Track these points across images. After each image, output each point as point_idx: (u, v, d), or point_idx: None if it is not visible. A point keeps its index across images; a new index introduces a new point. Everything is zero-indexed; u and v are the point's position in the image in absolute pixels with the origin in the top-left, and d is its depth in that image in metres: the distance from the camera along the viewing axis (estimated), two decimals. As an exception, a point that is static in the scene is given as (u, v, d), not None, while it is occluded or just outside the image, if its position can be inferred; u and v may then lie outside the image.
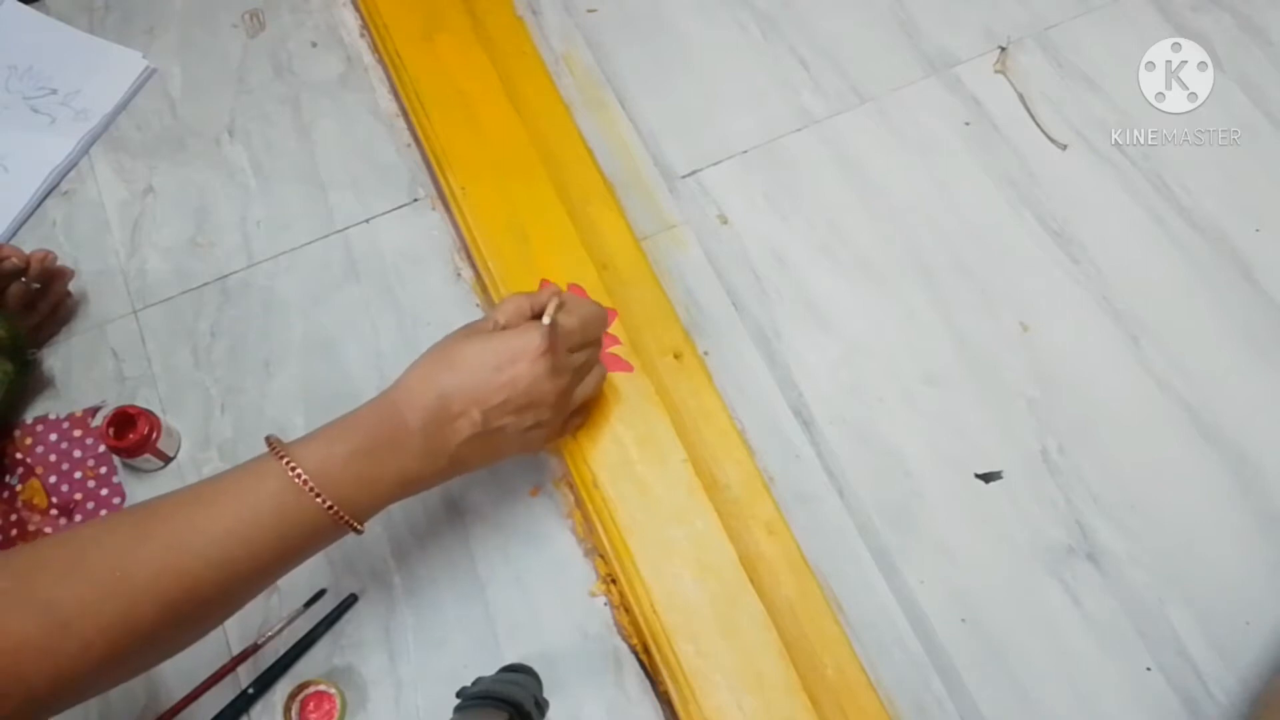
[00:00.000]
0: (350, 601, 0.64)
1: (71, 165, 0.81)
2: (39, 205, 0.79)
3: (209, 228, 0.78)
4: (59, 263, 0.73)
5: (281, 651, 0.63)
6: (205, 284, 0.76)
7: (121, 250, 0.77)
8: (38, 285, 0.71)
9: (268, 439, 0.50)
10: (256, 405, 0.71)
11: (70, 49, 0.85)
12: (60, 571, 0.43)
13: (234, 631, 0.64)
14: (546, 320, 0.54)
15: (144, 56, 0.84)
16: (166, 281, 0.76)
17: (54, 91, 0.84)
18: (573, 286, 0.68)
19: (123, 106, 0.83)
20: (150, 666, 0.48)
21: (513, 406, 0.53)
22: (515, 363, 0.52)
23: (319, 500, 0.48)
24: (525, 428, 0.54)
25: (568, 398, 0.56)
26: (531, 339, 0.53)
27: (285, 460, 0.48)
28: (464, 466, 0.54)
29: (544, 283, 0.68)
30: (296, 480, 0.48)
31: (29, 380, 0.71)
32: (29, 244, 0.76)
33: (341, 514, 0.49)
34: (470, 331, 0.54)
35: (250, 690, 0.61)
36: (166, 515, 0.47)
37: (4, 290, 0.69)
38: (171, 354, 0.73)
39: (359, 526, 0.50)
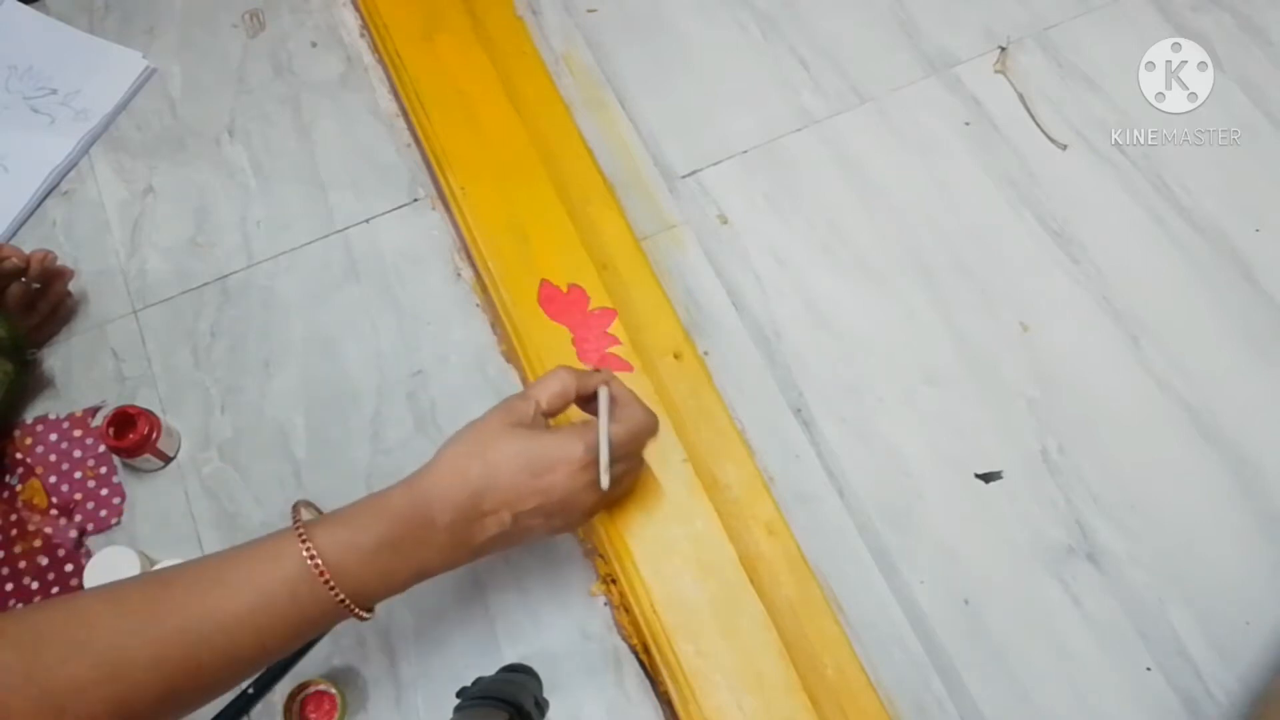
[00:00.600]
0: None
1: (71, 165, 0.81)
2: (39, 205, 0.79)
3: (209, 228, 0.78)
4: (59, 263, 0.73)
5: (281, 651, 0.63)
6: (205, 284, 0.76)
7: (121, 250, 0.77)
8: (38, 285, 0.71)
9: (295, 509, 0.49)
10: (256, 405, 0.71)
11: (70, 49, 0.85)
12: (62, 650, 0.42)
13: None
14: (603, 444, 0.50)
15: (144, 56, 0.84)
16: (166, 281, 0.76)
17: (54, 91, 0.84)
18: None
19: (123, 106, 0.83)
20: None
21: (544, 512, 0.51)
22: (554, 470, 0.50)
23: (333, 592, 0.47)
24: (553, 528, 0.53)
25: (601, 505, 0.55)
26: (574, 450, 0.50)
27: (305, 545, 0.47)
28: (483, 555, 0.52)
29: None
30: (313, 569, 0.46)
31: (29, 380, 0.71)
32: (29, 244, 0.76)
33: (352, 606, 0.48)
34: (510, 420, 0.51)
35: (250, 690, 0.61)
36: (176, 594, 0.46)
37: (4, 290, 0.69)
38: (171, 354, 0.73)
39: (366, 615, 0.49)
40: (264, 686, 0.61)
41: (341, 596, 0.47)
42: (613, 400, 0.54)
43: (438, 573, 0.51)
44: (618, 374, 0.64)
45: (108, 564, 0.63)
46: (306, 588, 0.46)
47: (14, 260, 0.69)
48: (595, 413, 0.53)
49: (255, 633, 0.46)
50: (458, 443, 0.51)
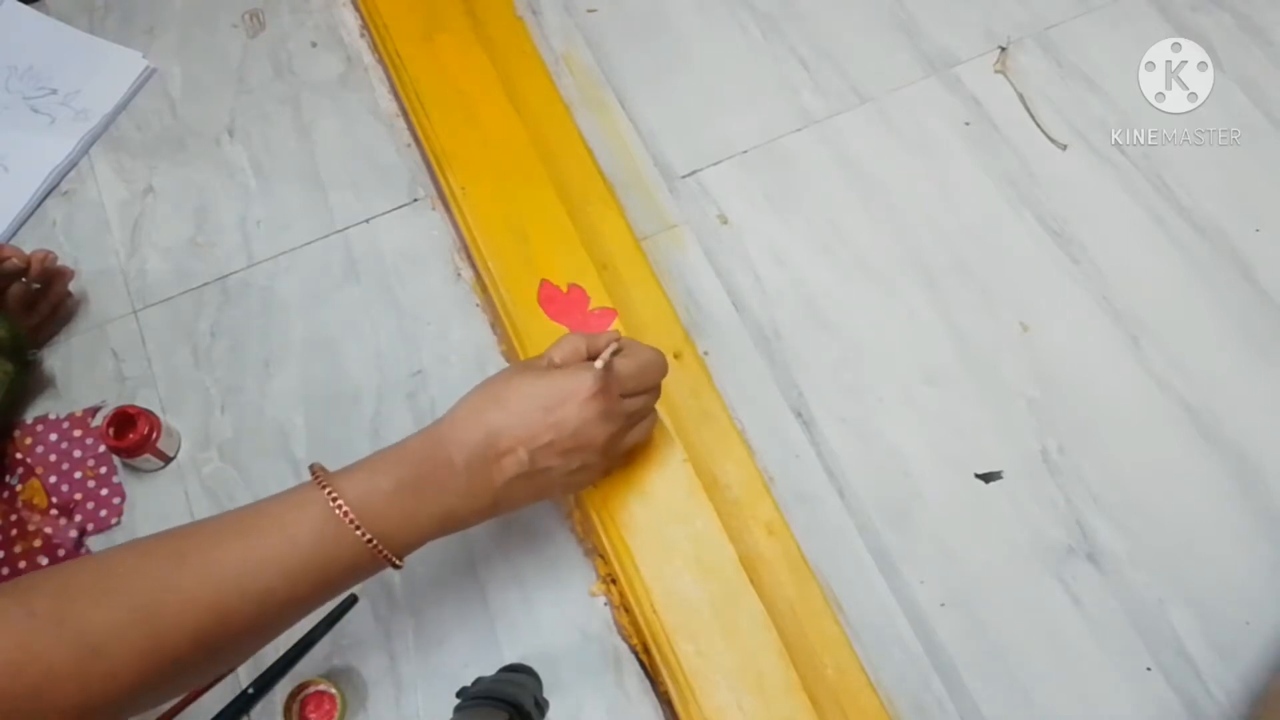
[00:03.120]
0: (350, 602, 0.64)
1: (71, 165, 0.81)
2: (39, 205, 0.79)
3: (209, 228, 0.78)
4: (59, 263, 0.73)
5: (281, 651, 0.62)
6: (205, 284, 0.76)
7: (121, 250, 0.77)
8: (38, 285, 0.71)
9: (312, 467, 0.49)
10: (256, 405, 0.71)
11: (70, 49, 0.85)
12: (93, 596, 0.43)
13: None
14: (600, 364, 0.52)
15: (144, 56, 0.84)
16: (166, 281, 0.76)
17: (54, 91, 0.84)
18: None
19: (123, 106, 0.83)
20: (178, 695, 0.47)
21: (560, 448, 0.51)
22: (565, 404, 0.51)
23: (359, 533, 0.47)
24: (571, 469, 0.53)
25: (617, 443, 0.55)
26: (583, 380, 0.51)
27: (327, 490, 0.47)
28: (507, 505, 0.53)
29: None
30: (337, 511, 0.47)
31: (29, 380, 0.71)
32: (29, 244, 0.76)
33: (381, 548, 0.48)
34: (522, 368, 0.53)
35: (250, 690, 0.61)
36: (203, 542, 0.46)
37: (4, 290, 0.69)
38: (171, 354, 0.73)
39: (398, 562, 0.49)
40: (264, 686, 0.61)
41: (368, 537, 0.47)
42: (620, 343, 0.55)
43: (466, 519, 0.52)
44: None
45: None
46: (333, 531, 0.47)
47: (14, 260, 0.69)
48: None
49: (285, 577, 0.46)
50: (472, 393, 0.52)
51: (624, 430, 0.55)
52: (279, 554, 0.46)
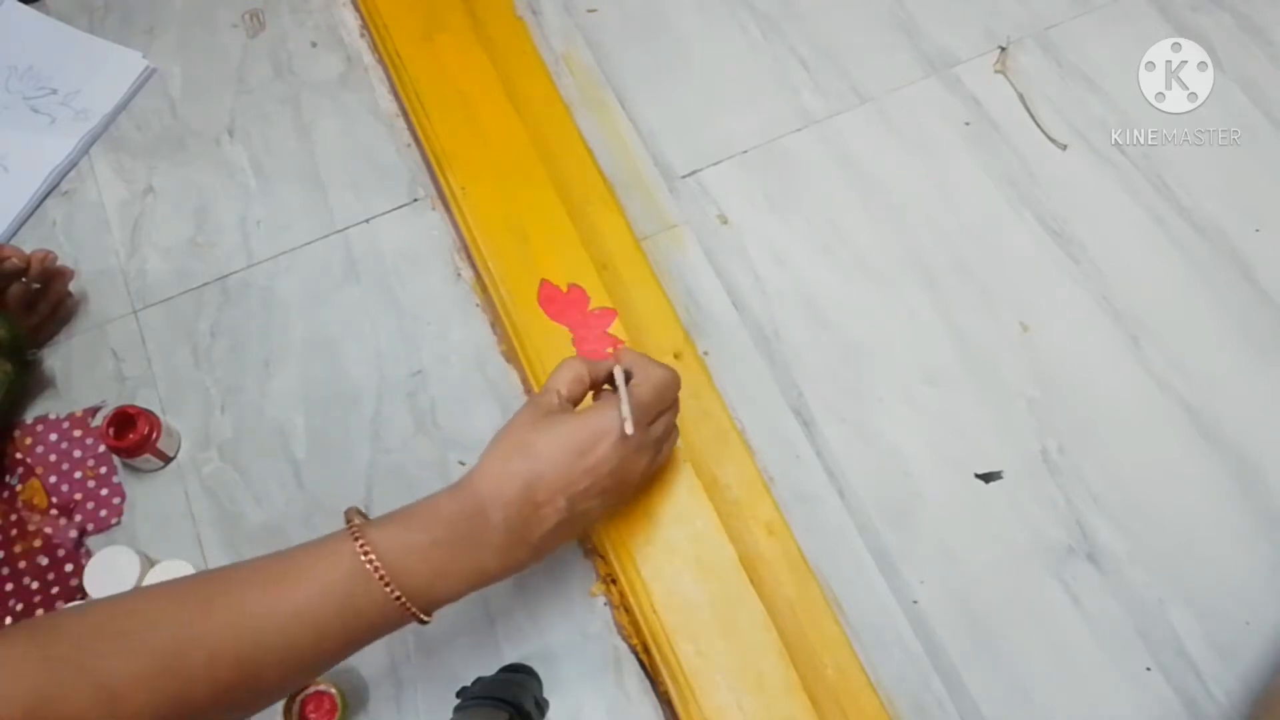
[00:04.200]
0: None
1: (71, 165, 0.81)
2: (39, 205, 0.79)
3: (209, 228, 0.78)
4: (59, 263, 0.73)
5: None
6: (205, 284, 0.76)
7: (121, 250, 0.77)
8: (38, 285, 0.71)
9: (347, 515, 0.49)
10: (256, 405, 0.71)
11: (70, 49, 0.85)
12: (119, 643, 0.42)
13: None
14: (622, 395, 0.51)
15: (144, 56, 0.84)
16: (166, 281, 0.76)
17: (54, 91, 0.84)
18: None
19: (123, 106, 0.83)
20: None
21: (598, 489, 0.51)
22: (597, 445, 0.50)
23: (389, 590, 0.46)
24: (609, 505, 0.53)
25: (651, 469, 0.55)
26: (612, 420, 0.50)
27: (360, 542, 0.46)
28: (543, 553, 0.51)
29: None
30: (369, 566, 0.46)
31: (29, 380, 0.71)
32: (29, 244, 0.76)
33: (409, 605, 0.47)
34: (539, 413, 0.51)
35: None
36: (232, 590, 0.45)
37: (4, 290, 0.69)
38: (171, 354, 0.73)
39: (426, 618, 0.49)
40: None
41: (398, 594, 0.46)
42: (629, 369, 0.54)
43: (497, 575, 0.50)
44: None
45: (108, 564, 0.63)
46: (362, 586, 0.46)
47: (14, 260, 0.69)
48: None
49: (312, 631, 0.45)
50: (496, 446, 0.51)
51: (655, 455, 0.55)
52: (308, 607, 0.45)
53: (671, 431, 0.57)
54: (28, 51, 0.85)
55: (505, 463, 0.50)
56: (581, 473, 0.50)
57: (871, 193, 0.78)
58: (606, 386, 0.56)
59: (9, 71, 0.85)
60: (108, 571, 0.63)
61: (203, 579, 0.47)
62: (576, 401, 0.54)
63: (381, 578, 0.46)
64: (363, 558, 0.46)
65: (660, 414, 0.54)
